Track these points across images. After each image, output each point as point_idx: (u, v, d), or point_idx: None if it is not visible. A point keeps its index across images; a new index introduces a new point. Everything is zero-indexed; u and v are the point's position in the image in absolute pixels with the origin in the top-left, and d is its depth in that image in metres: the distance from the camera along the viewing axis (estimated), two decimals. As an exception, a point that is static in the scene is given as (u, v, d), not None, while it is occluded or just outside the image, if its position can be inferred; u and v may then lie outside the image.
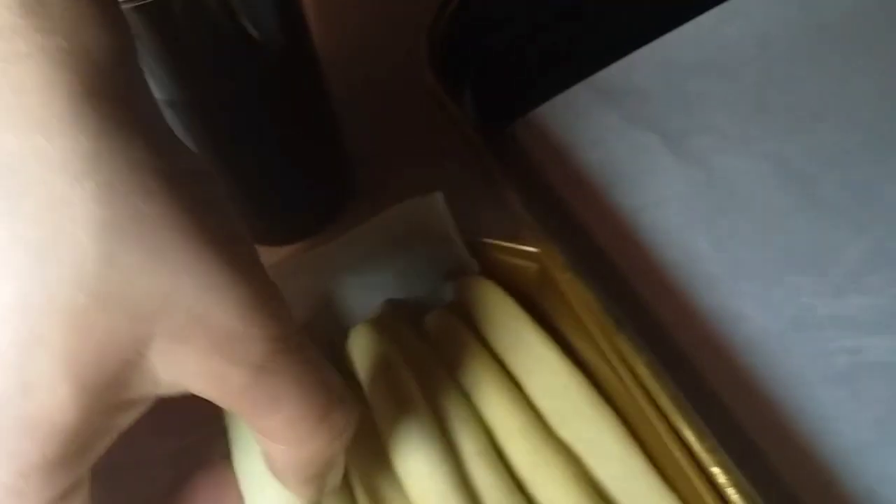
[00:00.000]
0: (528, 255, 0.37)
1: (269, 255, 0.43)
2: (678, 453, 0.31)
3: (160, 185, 0.20)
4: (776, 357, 0.36)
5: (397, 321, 0.38)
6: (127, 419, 0.22)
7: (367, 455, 0.33)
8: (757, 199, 0.40)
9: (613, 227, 0.41)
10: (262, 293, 0.22)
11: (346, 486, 0.34)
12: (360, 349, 0.36)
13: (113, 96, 0.20)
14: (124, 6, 0.30)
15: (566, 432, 0.34)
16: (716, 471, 0.30)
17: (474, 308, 0.38)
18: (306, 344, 0.24)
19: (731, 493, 0.29)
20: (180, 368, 0.21)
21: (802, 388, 0.35)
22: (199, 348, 0.21)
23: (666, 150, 0.42)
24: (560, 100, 0.45)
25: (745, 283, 0.38)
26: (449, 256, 0.39)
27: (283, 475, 0.25)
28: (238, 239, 0.23)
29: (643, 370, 0.32)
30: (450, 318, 0.38)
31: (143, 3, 0.30)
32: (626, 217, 0.41)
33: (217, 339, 0.21)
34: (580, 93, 0.45)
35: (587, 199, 0.42)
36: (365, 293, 0.39)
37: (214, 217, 0.22)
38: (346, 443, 0.25)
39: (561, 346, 0.36)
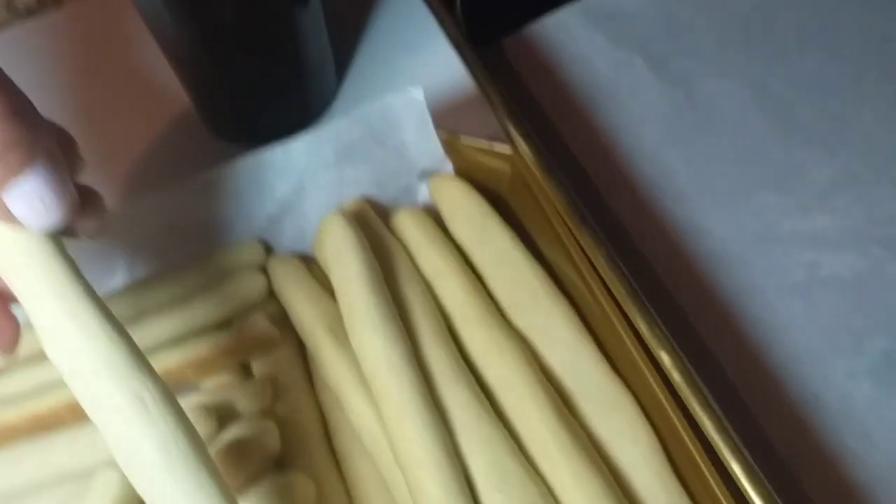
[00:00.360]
0: (502, 156, 0.38)
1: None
2: (628, 341, 0.32)
3: None
4: (737, 269, 0.37)
5: (369, 213, 0.38)
6: None
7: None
8: (734, 122, 0.41)
9: (592, 143, 0.41)
10: None
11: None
12: (330, 236, 0.36)
13: None
14: None
15: (521, 321, 0.34)
16: (662, 355, 0.30)
17: (444, 204, 0.38)
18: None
19: (676, 376, 0.30)
20: None
21: (759, 298, 0.36)
22: None
23: (649, 72, 0.43)
24: (550, 20, 0.45)
25: (714, 200, 0.38)
26: (424, 155, 0.39)
27: None
28: None
29: (602, 263, 0.33)
30: (419, 213, 0.38)
31: None
32: (606, 133, 0.41)
33: None
34: (570, 14, 0.45)
35: (569, 115, 0.42)
36: (341, 188, 0.39)
37: None
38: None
39: (527, 245, 0.36)
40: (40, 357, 0.35)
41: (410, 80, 0.39)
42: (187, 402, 0.34)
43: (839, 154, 0.39)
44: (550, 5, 0.45)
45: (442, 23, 0.42)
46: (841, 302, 0.35)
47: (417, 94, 0.38)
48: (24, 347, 0.32)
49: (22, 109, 0.24)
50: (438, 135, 0.39)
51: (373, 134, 0.39)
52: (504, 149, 0.38)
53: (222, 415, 0.34)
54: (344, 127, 0.39)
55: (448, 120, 0.39)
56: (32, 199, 0.24)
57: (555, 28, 0.45)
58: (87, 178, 0.30)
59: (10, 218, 0.25)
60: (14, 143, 0.24)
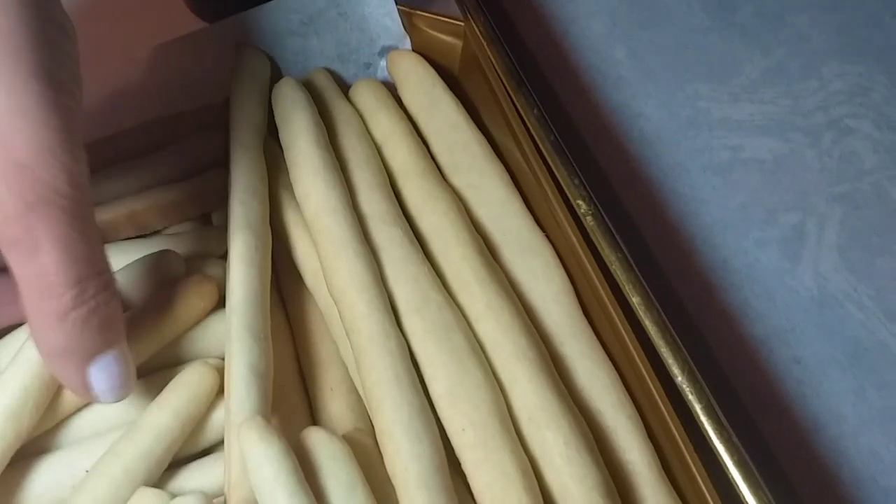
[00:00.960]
0: (456, 29, 0.40)
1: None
2: (551, 194, 0.34)
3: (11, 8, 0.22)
4: (666, 149, 0.39)
5: (327, 81, 0.41)
6: None
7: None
8: (678, 18, 0.43)
9: (542, 32, 0.43)
10: (67, 147, 0.23)
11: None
12: (281, 97, 0.38)
13: None
14: None
15: (458, 180, 0.37)
16: (580, 202, 0.32)
17: (398, 76, 0.40)
18: (86, 215, 0.24)
19: (590, 220, 0.32)
20: None
21: (683, 175, 0.38)
22: None
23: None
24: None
25: (650, 86, 0.41)
26: (385, 30, 0.41)
27: (34, 332, 0.25)
28: (70, 94, 0.24)
29: (533, 122, 0.35)
30: (374, 83, 0.40)
31: None
32: (556, 24, 0.44)
33: (6, 163, 0.22)
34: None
35: (523, 4, 0.44)
36: (305, 59, 0.42)
37: (56, 63, 0.23)
38: (96, 322, 0.25)
39: (472, 116, 0.39)
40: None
41: None
42: (153, 243, 0.36)
43: (772, 51, 0.41)
44: None
45: None
46: (759, 181, 0.38)
47: (377, -30, 0.40)
48: None
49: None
50: (399, 11, 0.41)
51: (336, 5, 0.41)
52: (458, 26, 0.40)
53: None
54: (309, -1, 0.41)
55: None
56: (113, 374, 0.26)
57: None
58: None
59: (84, 391, 0.26)
60: (108, 321, 0.25)
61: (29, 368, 0.29)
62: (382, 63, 0.42)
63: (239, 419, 0.28)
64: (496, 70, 0.37)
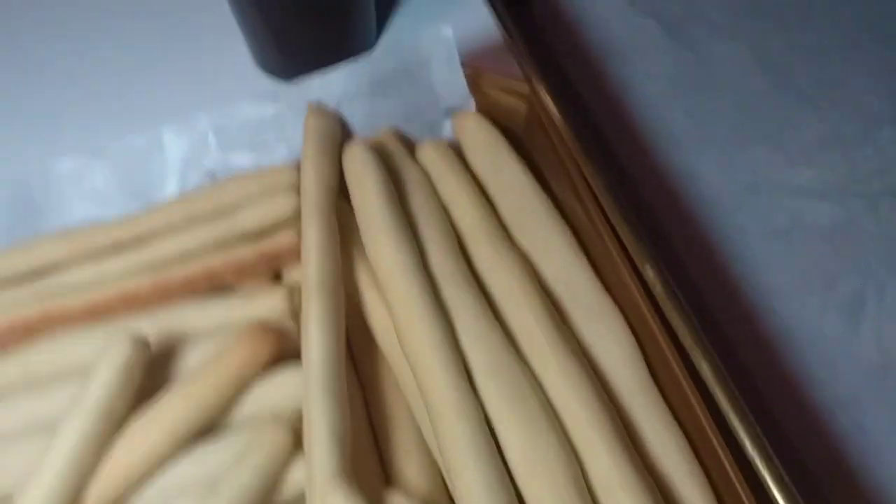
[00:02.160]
0: (520, 94, 0.41)
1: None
2: (617, 257, 0.34)
3: None
4: (725, 212, 0.39)
5: (394, 143, 0.42)
6: None
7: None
8: (735, 81, 0.43)
9: (603, 93, 0.44)
10: None
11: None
12: (351, 161, 0.39)
13: None
14: None
15: (525, 240, 0.37)
16: (647, 269, 0.33)
17: (465, 137, 0.41)
18: None
19: (658, 287, 0.33)
20: None
21: (743, 239, 0.38)
22: None
23: (662, 34, 0.45)
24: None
25: (709, 149, 0.41)
26: (450, 92, 0.42)
27: None
28: None
29: (600, 188, 0.35)
30: (441, 145, 0.41)
31: None
32: (616, 86, 0.44)
33: None
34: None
35: (584, 68, 0.45)
36: (373, 119, 0.42)
37: None
38: None
39: (536, 177, 0.39)
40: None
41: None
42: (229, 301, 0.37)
43: (828, 115, 0.41)
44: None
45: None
46: (819, 246, 0.38)
47: (447, 32, 0.41)
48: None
49: None
50: (464, 73, 0.42)
51: (404, 69, 0.42)
52: (523, 87, 0.41)
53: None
54: (379, 60, 0.42)
55: (474, 62, 0.43)
56: None
57: (578, -10, 0.48)
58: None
59: None
60: None
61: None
62: (447, 123, 0.43)
63: (322, 480, 0.29)
64: (560, 132, 0.38)
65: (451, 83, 0.42)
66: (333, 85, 0.42)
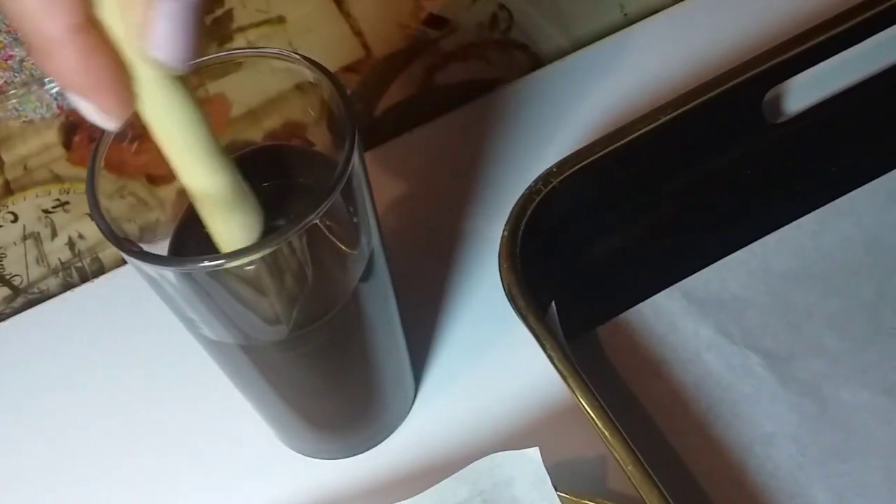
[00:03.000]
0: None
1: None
2: None
3: None
4: None
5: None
6: None
7: None
8: (879, 443, 0.35)
9: (715, 464, 0.36)
10: None
11: None
12: None
13: None
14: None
15: None
16: None
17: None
18: None
19: None
20: None
21: None
22: None
23: (770, 374, 0.37)
24: (647, 306, 0.40)
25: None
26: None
27: None
28: None
29: None
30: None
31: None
32: (730, 453, 0.36)
33: None
34: (670, 299, 0.40)
35: (682, 426, 0.37)
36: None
37: None
38: None
39: None
40: None
41: (493, 384, 0.37)
42: None
43: None
44: (648, 289, 0.40)
45: (531, 328, 0.36)
46: None
47: (534, 455, 0.33)
48: None
49: None
50: (557, 493, 0.33)
51: (481, 494, 0.33)
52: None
53: None
54: (448, 488, 0.33)
55: (544, 430, 0.34)
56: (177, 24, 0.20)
57: (654, 316, 0.39)
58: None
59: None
60: None
61: None
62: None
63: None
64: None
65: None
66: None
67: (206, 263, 0.25)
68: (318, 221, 0.26)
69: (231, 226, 0.26)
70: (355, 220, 0.29)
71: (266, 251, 0.25)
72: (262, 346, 0.32)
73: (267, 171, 0.32)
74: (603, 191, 0.38)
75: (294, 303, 0.30)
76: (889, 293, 0.38)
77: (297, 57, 0.28)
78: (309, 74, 0.28)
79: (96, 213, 0.26)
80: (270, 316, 0.31)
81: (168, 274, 0.26)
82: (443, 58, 0.53)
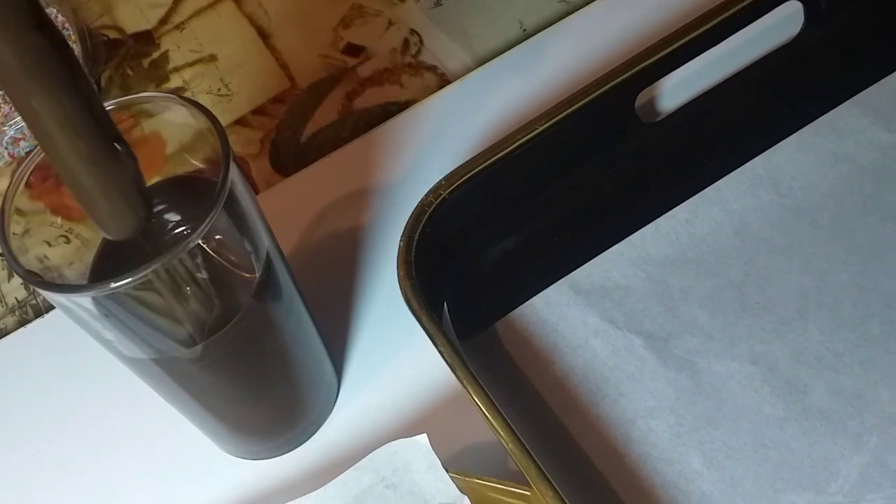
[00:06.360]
0: (521, 496, 0.35)
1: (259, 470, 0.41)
2: None
3: None
4: None
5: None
6: None
7: None
8: (747, 409, 0.37)
9: (602, 440, 0.38)
10: None
11: None
12: None
13: None
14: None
15: None
16: None
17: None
18: None
19: None
20: None
21: None
22: None
23: (651, 354, 0.40)
24: (539, 300, 0.42)
25: (740, 502, 0.35)
26: (439, 492, 0.36)
27: None
28: None
29: None
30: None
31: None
32: (614, 427, 0.38)
33: None
34: (559, 292, 0.42)
35: (573, 408, 0.39)
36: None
37: None
38: None
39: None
40: None
41: (403, 379, 0.40)
42: None
43: (863, 441, 0.36)
44: (539, 285, 0.42)
45: (424, 327, 0.38)
46: None
47: (423, 440, 0.35)
48: None
49: None
50: (450, 474, 0.36)
51: (383, 480, 0.36)
52: (522, 489, 0.35)
53: None
54: (352, 478, 0.36)
55: (456, 452, 0.37)
56: None
57: (545, 308, 0.42)
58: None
59: None
60: None
61: None
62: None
63: None
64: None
65: (439, 485, 0.36)
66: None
67: (95, 291, 0.27)
68: (199, 241, 0.29)
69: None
70: (243, 234, 0.32)
71: (146, 273, 0.27)
72: (175, 359, 0.34)
73: (179, 199, 0.35)
74: (490, 198, 0.41)
75: (198, 315, 0.32)
76: (753, 272, 0.41)
77: (173, 97, 0.31)
78: (185, 112, 0.31)
79: (5, 247, 0.29)
80: (177, 330, 0.33)
81: (73, 300, 0.29)
82: (360, 83, 0.55)
